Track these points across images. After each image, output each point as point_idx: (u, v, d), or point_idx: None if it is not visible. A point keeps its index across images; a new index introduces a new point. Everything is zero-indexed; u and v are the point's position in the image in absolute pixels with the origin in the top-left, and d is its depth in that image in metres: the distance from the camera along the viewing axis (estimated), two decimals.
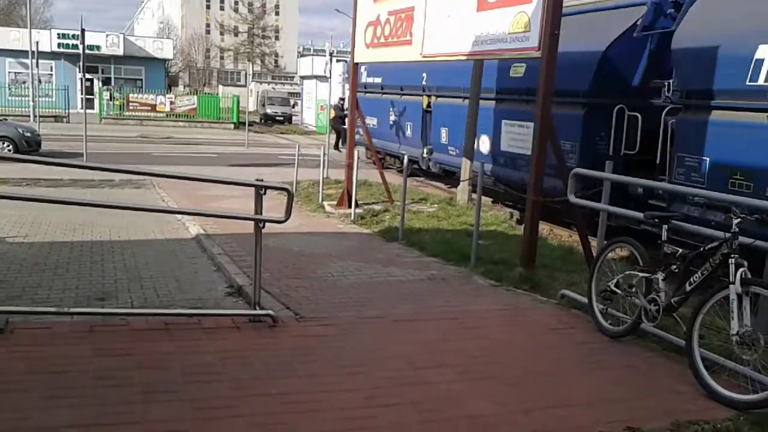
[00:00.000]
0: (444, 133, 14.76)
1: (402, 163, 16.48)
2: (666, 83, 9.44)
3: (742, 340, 4.19)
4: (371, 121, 17.62)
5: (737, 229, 4.37)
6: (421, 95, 15.93)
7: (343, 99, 23.67)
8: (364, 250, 8.53)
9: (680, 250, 4.86)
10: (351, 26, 11.89)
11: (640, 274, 5.09)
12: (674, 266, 4.86)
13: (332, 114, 24.88)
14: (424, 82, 15.68)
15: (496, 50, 7.80)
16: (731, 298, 4.25)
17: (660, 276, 4.92)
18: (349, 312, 5.77)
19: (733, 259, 4.32)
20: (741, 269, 4.26)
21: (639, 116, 9.93)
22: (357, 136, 17.63)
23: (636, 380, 4.58)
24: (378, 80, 18.09)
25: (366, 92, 18.23)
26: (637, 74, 10.41)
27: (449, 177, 15.77)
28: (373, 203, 12.11)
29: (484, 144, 13.04)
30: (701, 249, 4.65)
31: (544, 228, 12.09)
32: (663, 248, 4.99)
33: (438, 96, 15.24)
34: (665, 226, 5.00)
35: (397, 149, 17.27)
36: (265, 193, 5.08)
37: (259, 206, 5.11)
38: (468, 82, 12.51)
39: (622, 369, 4.77)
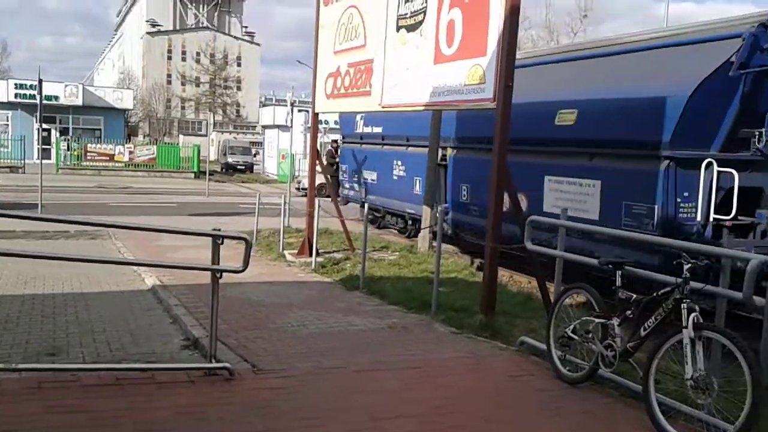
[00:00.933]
0: (465, 190, 12.55)
1: (406, 223, 15.39)
2: (757, 132, 8.22)
3: (696, 384, 4.24)
4: (370, 176, 16.03)
5: (688, 275, 4.47)
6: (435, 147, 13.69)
7: (336, 142, 21.42)
8: (324, 299, 8.47)
9: (634, 296, 4.95)
10: (312, 77, 12.06)
11: (596, 320, 5.15)
12: (629, 311, 4.94)
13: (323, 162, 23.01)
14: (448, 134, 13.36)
15: (453, 101, 7.98)
16: (684, 342, 4.32)
17: (615, 321, 4.99)
18: (308, 363, 5.69)
19: (685, 304, 4.41)
20: (693, 314, 4.34)
21: (734, 173, 8.10)
22: (352, 193, 17.15)
23: (594, 427, 4.60)
24: (378, 130, 15.71)
25: (363, 143, 16.54)
26: (726, 121, 8.51)
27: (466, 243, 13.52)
28: (335, 251, 12.09)
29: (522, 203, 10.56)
30: (654, 294, 4.74)
31: (504, 274, 12.19)
32: (618, 294, 5.07)
33: (456, 148, 13.00)
34: (619, 272, 5.09)
35: (401, 207, 14.98)
36: (222, 243, 5.03)
37: (215, 256, 5.06)
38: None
39: (580, 416, 4.78)
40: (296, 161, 33.06)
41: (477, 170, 11.56)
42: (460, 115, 11.51)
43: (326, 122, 41.39)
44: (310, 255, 10.95)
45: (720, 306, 4.70)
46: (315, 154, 12.26)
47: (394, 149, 14.99)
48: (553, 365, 5.55)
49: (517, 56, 12.06)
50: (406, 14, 8.87)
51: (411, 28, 8.79)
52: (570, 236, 7.98)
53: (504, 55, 6.94)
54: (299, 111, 31.30)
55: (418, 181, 13.98)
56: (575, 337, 5.33)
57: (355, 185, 16.79)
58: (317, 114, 12.26)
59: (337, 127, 44.39)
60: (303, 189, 27.17)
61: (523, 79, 10.82)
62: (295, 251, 11.81)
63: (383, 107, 9.61)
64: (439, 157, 13.03)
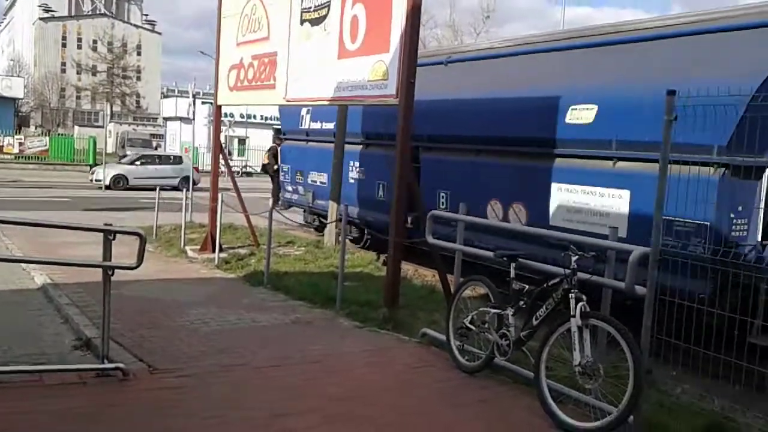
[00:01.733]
0: (443, 197, 10.35)
1: (362, 232, 13.12)
2: None
3: (584, 370, 4.47)
4: (318, 178, 13.86)
5: (576, 266, 4.70)
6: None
7: (279, 138, 18.37)
8: (227, 296, 8.31)
9: (527, 287, 5.15)
10: (214, 68, 11.77)
11: (492, 311, 5.33)
12: (522, 302, 5.14)
13: (265, 159, 19.53)
14: None
15: (358, 96, 8.02)
16: (572, 330, 4.54)
17: (510, 312, 5.18)
18: (208, 361, 5.57)
19: (573, 294, 4.63)
20: (580, 303, 4.56)
21: None
22: (296, 196, 14.86)
23: (490, 414, 4.76)
24: (330, 126, 13.10)
25: (309, 141, 14.45)
26: None
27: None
28: (239, 247, 11.86)
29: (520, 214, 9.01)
30: (545, 285, 4.95)
31: (409, 268, 12.37)
32: (512, 285, 5.26)
33: (430, 148, 10.73)
34: (513, 264, 5.29)
35: (360, 215, 12.58)
36: (114, 239, 4.84)
37: (107, 252, 4.86)
38: (482, 130, 9.50)
39: (477, 404, 4.94)
40: (200, 155, 32.29)
41: (458, 173, 10.21)
42: (433, 108, 10.02)
43: (231, 115, 40.72)
44: (213, 251, 10.71)
45: (605, 295, 4.96)
46: (218, 148, 11.99)
47: (351, 148, 12.56)
48: (452, 355, 5.70)
49: (509, 40, 11.46)
50: (310, 8, 8.82)
51: (315, 22, 8.75)
52: (482, 233, 8.09)
53: (406, 51, 7.03)
54: (203, 103, 30.51)
55: (382, 187, 11.78)
56: (473, 327, 5.50)
57: (300, 188, 14.74)
58: (220, 106, 11.98)
59: (244, 120, 43.93)
60: (97, 181, 25.39)
61: (517, 69, 9.83)
62: (198, 247, 11.51)
63: (288, 101, 9.52)
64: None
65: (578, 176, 8.16)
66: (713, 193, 6.70)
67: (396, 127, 7.29)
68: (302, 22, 9.04)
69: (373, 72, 7.56)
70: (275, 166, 17.72)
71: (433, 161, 10.69)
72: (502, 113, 9.20)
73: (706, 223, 6.78)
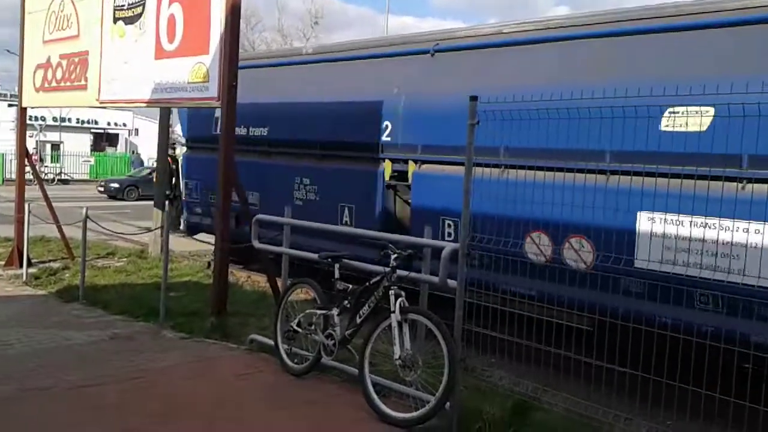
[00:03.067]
0: (446, 224, 7.84)
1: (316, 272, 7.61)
2: None
3: (404, 363, 4.65)
4: (250, 198, 9.88)
5: (395, 264, 4.88)
6: (377, 159, 8.80)
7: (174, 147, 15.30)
8: (36, 314, 7.66)
9: (350, 286, 5.26)
10: (18, 68, 10.80)
11: (318, 312, 5.38)
12: (346, 302, 5.24)
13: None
14: (387, 138, 8.70)
15: (177, 99, 7.74)
16: (393, 326, 4.70)
17: (335, 312, 5.26)
18: (8, 386, 5.08)
19: (392, 291, 4.81)
20: (399, 299, 4.75)
21: None
22: (208, 220, 11.51)
23: (318, 414, 4.80)
24: (260, 131, 10.64)
25: (242, 150, 9.35)
26: None
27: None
28: (51, 261, 10.97)
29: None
30: (367, 284, 5.09)
31: (241, 275, 12.17)
32: (336, 285, 5.35)
33: (424, 161, 8.34)
34: (337, 265, 5.38)
35: (312, 247, 7.41)
36: None
37: None
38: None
39: (305, 405, 4.96)
40: (7, 162, 29.47)
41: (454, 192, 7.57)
42: (425, 114, 8.32)
43: (42, 119, 37.50)
44: (21, 266, 9.81)
45: (423, 289, 5.20)
46: (24, 155, 11.00)
47: (297, 161, 9.92)
48: (280, 359, 5.68)
49: (568, 19, 8.14)
50: (123, 6, 8.38)
51: (129, 21, 8.32)
52: (319, 238, 7.64)
53: (227, 54, 6.90)
54: (9, 105, 27.80)
55: (347, 210, 9.06)
56: (300, 330, 5.52)
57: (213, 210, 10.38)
58: (25, 109, 11.00)
59: (58, 124, 40.63)
60: None
61: (583, 59, 7.18)
62: (2, 262, 10.49)
63: (101, 102, 8.98)
64: (386, 175, 8.75)
65: (679, 202, 5.58)
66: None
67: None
68: (115, 20, 8.56)
69: (193, 74, 7.34)
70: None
71: (429, 178, 8.37)
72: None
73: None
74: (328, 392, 5.21)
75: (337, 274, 5.38)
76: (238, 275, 12.05)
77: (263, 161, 10.49)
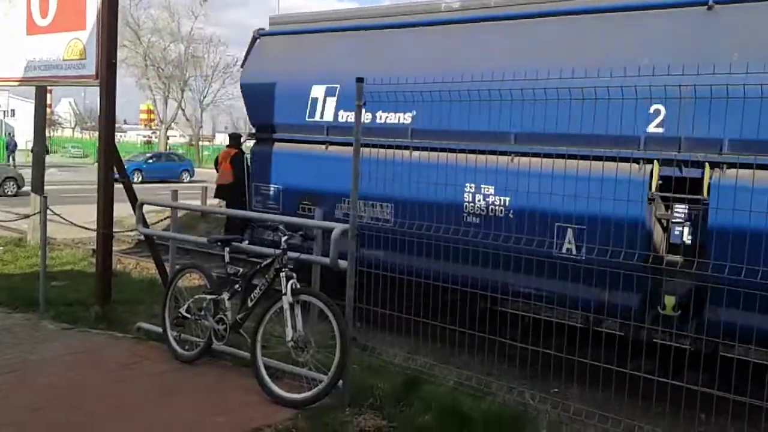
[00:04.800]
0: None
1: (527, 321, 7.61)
2: None
3: (297, 344, 4.66)
4: (377, 211, 7.65)
5: (286, 246, 4.86)
6: (635, 159, 6.21)
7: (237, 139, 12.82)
8: None
9: (241, 270, 5.20)
10: None
11: (208, 297, 5.28)
12: (237, 285, 5.17)
13: (227, 173, 11.91)
14: (656, 129, 6.16)
15: (52, 77, 7.30)
16: (284, 308, 4.70)
17: (225, 296, 5.18)
18: None
19: (284, 273, 4.79)
20: (291, 281, 4.74)
21: None
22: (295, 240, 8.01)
23: (209, 399, 4.72)
24: (401, 118, 7.72)
25: (340, 144, 8.09)
26: None
27: None
28: None
29: None
30: (258, 266, 5.04)
31: (130, 261, 11.74)
32: (227, 269, 5.27)
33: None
34: (227, 249, 5.29)
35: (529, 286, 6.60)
36: None
37: None
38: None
39: (195, 391, 4.86)
40: None
41: None
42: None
43: None
44: None
45: (315, 271, 5.22)
46: None
47: (468, 161, 6.38)
48: (169, 346, 5.54)
49: None
50: None
51: None
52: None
53: (105, 31, 6.57)
54: None
55: (570, 232, 6.38)
56: (189, 316, 5.40)
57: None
58: None
59: None
60: None
61: None
62: None
63: None
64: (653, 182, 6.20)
65: None
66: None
67: None
68: None
69: (68, 50, 6.94)
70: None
71: None
72: None
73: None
74: (220, 377, 5.13)
75: (227, 258, 5.29)
76: (126, 262, 11.63)
77: (400, 160, 7.09)
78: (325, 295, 4.69)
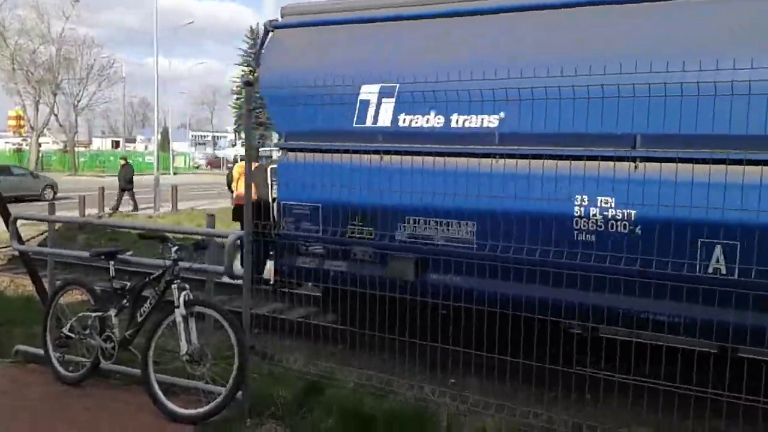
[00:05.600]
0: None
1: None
2: None
3: (192, 358, 4.51)
4: (454, 231, 6.24)
5: (176, 256, 4.68)
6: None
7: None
8: None
9: (128, 284, 4.96)
10: None
11: (93, 314, 5.00)
12: (125, 300, 4.93)
13: (239, 182, 10.97)
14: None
15: None
16: (178, 320, 4.53)
17: (112, 312, 4.93)
18: None
19: (176, 284, 4.61)
20: (184, 292, 4.57)
21: None
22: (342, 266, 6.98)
23: (99, 420, 4.48)
24: (487, 121, 6.02)
25: (397, 153, 6.47)
26: None
27: None
28: None
29: None
30: (146, 279, 4.83)
31: (4, 280, 10.95)
32: (113, 284, 5.01)
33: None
34: (112, 263, 5.04)
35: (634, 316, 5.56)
36: None
37: None
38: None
39: (82, 413, 4.59)
40: None
41: None
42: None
43: None
44: None
45: (209, 280, 5.07)
46: None
47: (574, 170, 5.57)
48: (53, 369, 5.20)
49: None
50: None
51: None
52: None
53: None
54: None
55: (718, 249, 5.12)
56: (73, 335, 5.10)
57: (368, 252, 6.77)
58: None
59: None
60: None
61: None
62: None
63: None
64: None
65: None
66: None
67: None
68: None
69: None
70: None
71: None
72: None
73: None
74: (109, 397, 4.88)
75: (112, 272, 5.03)
76: (1, 279, 10.83)
77: (485, 171, 5.99)
78: (219, 304, 4.57)
